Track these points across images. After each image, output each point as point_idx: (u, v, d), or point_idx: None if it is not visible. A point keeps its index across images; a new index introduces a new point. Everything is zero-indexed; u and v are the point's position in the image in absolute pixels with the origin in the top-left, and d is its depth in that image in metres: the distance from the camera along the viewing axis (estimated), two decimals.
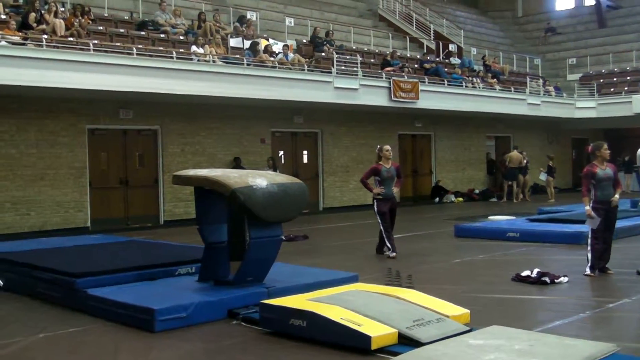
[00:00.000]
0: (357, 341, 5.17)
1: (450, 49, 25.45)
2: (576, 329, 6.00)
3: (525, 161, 21.98)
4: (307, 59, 18.18)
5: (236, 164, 17.03)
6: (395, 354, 5.01)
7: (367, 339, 5.11)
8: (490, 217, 15.61)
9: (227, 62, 15.87)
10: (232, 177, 6.76)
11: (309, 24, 21.09)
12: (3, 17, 13.91)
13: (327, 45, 19.81)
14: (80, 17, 14.59)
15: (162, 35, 16.14)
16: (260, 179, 6.76)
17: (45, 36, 13.34)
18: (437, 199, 22.23)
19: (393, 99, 18.67)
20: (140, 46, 14.74)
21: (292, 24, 20.37)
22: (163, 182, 16.21)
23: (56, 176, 14.58)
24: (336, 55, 18.25)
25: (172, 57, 14.70)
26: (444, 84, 20.77)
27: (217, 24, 17.61)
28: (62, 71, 12.90)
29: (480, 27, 32.55)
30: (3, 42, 12.60)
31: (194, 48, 15.54)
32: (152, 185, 16.30)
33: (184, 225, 14.93)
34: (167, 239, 12.04)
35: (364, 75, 18.38)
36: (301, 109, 18.66)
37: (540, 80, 25.56)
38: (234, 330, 6.02)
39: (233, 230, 7.03)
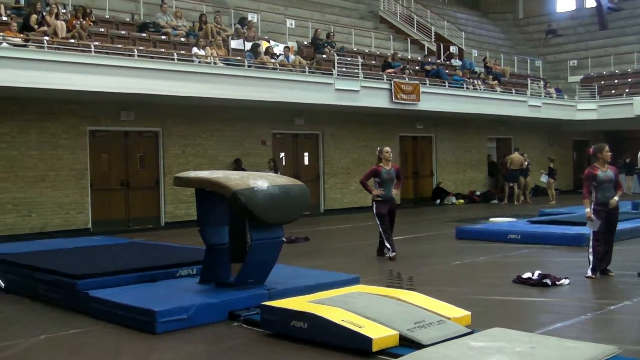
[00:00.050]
0: (358, 343, 5.17)
1: (451, 50, 25.46)
2: (577, 331, 5.99)
3: (526, 163, 21.97)
4: (308, 61, 18.18)
5: (237, 165, 17.04)
6: (397, 356, 5.01)
7: (368, 340, 5.10)
8: (491, 219, 15.59)
9: (228, 64, 15.88)
10: (233, 178, 6.76)
11: (310, 26, 21.11)
12: (4, 18, 13.94)
13: (328, 47, 19.82)
14: (81, 19, 14.61)
15: (163, 37, 16.15)
16: (262, 181, 6.76)
17: (46, 38, 13.34)
18: (438, 201, 22.23)
19: (394, 100, 18.67)
20: (141, 48, 14.75)
21: (293, 26, 20.40)
22: (164, 183, 16.22)
23: (57, 178, 14.59)
24: (337, 57, 18.26)
25: (173, 59, 14.72)
26: (445, 86, 20.77)
27: (218, 26, 17.62)
28: (63, 73, 12.91)
29: (481, 29, 32.57)
30: (4, 44, 12.62)
31: (195, 50, 15.55)
32: (153, 186, 16.31)
33: (185, 227, 14.94)
34: (168, 240, 12.03)
35: (364, 77, 18.39)
36: (302, 111, 18.66)
37: (541, 82, 25.56)
38: (235, 332, 6.02)
39: (234, 232, 7.02)
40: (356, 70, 18.27)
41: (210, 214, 7.16)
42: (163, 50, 15.25)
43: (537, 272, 8.13)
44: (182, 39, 16.47)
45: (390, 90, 18.63)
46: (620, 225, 9.66)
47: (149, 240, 11.83)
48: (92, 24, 15.10)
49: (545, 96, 24.46)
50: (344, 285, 7.05)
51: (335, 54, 18.77)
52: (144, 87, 14.01)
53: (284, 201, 6.79)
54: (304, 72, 17.27)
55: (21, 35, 13.34)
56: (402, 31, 26.00)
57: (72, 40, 13.83)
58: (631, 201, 16.44)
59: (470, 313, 5.93)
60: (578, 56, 29.75)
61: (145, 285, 7.22)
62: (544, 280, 7.90)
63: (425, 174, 22.92)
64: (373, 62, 20.86)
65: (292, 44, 19.18)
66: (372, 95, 18.35)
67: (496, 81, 23.45)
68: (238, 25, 18.50)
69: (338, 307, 5.61)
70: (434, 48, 25.36)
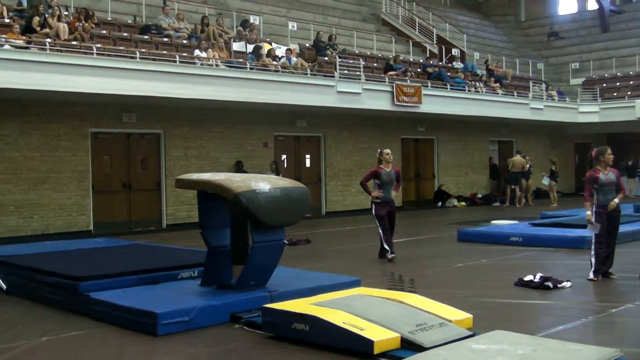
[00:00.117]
0: (359, 345, 5.16)
1: (453, 53, 25.46)
2: (579, 333, 5.99)
3: (528, 165, 21.97)
4: (310, 63, 18.20)
5: (238, 167, 17.05)
6: (398, 358, 5.01)
7: (369, 343, 5.10)
8: (493, 222, 15.59)
9: (230, 66, 15.89)
10: (235, 181, 6.76)
11: (311, 28, 21.12)
12: (7, 20, 13.96)
13: (330, 49, 19.84)
14: (83, 21, 14.63)
15: (165, 39, 16.17)
16: (263, 183, 6.76)
17: (48, 40, 13.36)
18: (439, 203, 22.23)
19: (396, 103, 18.67)
20: (143, 50, 14.77)
21: (295, 28, 20.43)
22: (166, 185, 16.23)
23: (59, 179, 14.60)
24: (339, 60, 18.28)
25: (175, 61, 14.73)
26: (446, 89, 20.77)
27: (220, 28, 17.64)
28: (65, 75, 12.93)
29: (483, 32, 32.57)
30: (7, 46, 12.64)
31: (197, 52, 15.56)
32: (155, 188, 16.32)
33: (187, 229, 14.94)
34: (170, 242, 12.04)
35: (366, 80, 18.39)
36: (304, 113, 18.67)
37: (543, 85, 25.55)
38: (236, 334, 6.02)
39: (236, 234, 7.02)
40: (358, 73, 18.27)
41: (212, 216, 7.17)
42: (165, 52, 15.26)
43: (538, 275, 8.12)
44: (184, 41, 16.49)
45: (392, 92, 18.64)
46: (622, 228, 9.67)
47: (150, 242, 11.84)
48: (94, 26, 15.13)
49: (547, 99, 24.46)
50: (345, 287, 7.04)
51: (337, 57, 18.78)
52: (146, 89, 14.03)
53: (286, 203, 6.79)
54: (306, 74, 17.28)
55: (23, 37, 13.36)
56: (404, 34, 26.01)
57: (74, 43, 13.86)
58: (633, 204, 16.43)
59: (471, 316, 5.92)
60: (580, 59, 29.73)
61: (146, 287, 7.22)
62: (546, 283, 7.89)
63: (426, 176, 22.91)
64: (375, 64, 20.87)
65: (294, 47, 19.21)
66: (374, 98, 18.36)
67: (498, 84, 23.45)
68: (240, 28, 18.52)
69: (339, 309, 5.61)
70: (435, 50, 25.36)
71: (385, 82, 18.92)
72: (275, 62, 17.10)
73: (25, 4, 15.21)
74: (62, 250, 9.69)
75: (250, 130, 17.83)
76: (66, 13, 15.22)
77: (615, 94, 25.49)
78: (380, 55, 22.19)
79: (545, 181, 22.44)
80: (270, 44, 18.30)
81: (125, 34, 15.71)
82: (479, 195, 23.59)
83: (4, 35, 12.95)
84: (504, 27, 34.68)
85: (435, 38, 25.92)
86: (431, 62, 23.26)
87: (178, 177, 7.49)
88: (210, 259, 7.11)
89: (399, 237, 10.66)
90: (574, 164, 28.49)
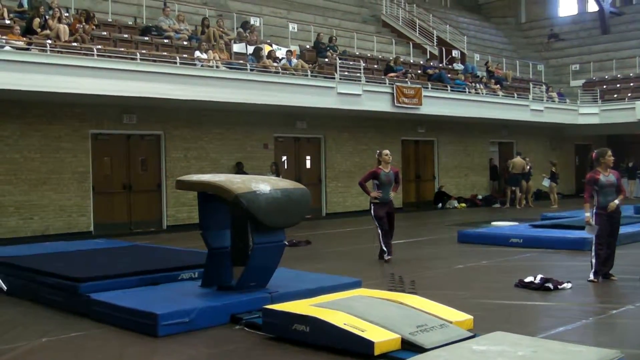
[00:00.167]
0: (360, 347, 5.16)
1: (453, 54, 25.48)
2: (580, 335, 5.99)
3: (528, 167, 21.98)
4: (310, 65, 18.21)
5: (239, 169, 17.05)
6: (399, 359, 5.01)
7: (370, 344, 5.10)
8: (493, 223, 15.59)
9: (230, 68, 15.90)
10: (235, 182, 6.76)
11: (312, 30, 21.14)
12: (7, 22, 13.97)
13: (331, 51, 19.85)
14: (84, 23, 14.64)
15: (165, 41, 16.18)
16: (264, 185, 6.77)
17: (49, 41, 13.38)
18: (440, 205, 22.23)
19: (396, 104, 18.68)
20: (143, 51, 14.78)
21: (296, 30, 20.44)
22: (166, 187, 16.23)
23: (59, 181, 14.60)
24: (339, 61, 18.29)
25: (175, 63, 14.73)
26: (447, 90, 20.78)
27: (221, 30, 17.65)
28: (65, 76, 12.94)
29: (483, 33, 32.59)
30: (7, 47, 12.65)
31: (197, 53, 15.57)
32: (155, 190, 16.32)
33: (187, 230, 14.93)
34: (170, 243, 12.04)
35: (367, 81, 18.40)
36: (304, 115, 18.68)
37: (544, 86, 25.57)
38: (236, 336, 6.02)
39: (236, 236, 7.03)
40: (358, 74, 18.28)
41: (212, 218, 7.17)
42: (165, 53, 15.27)
43: (539, 276, 8.12)
44: (185, 43, 16.51)
45: (392, 94, 18.64)
46: (623, 230, 9.66)
47: (151, 244, 11.83)
48: (94, 27, 15.15)
49: (547, 100, 24.47)
50: (346, 288, 7.04)
51: (337, 58, 18.80)
52: (147, 90, 14.04)
53: (286, 205, 6.79)
54: (306, 76, 17.29)
55: (24, 38, 13.37)
56: (404, 35, 26.02)
57: (75, 44, 13.87)
58: (634, 205, 16.43)
59: (472, 317, 5.92)
60: (580, 60, 29.74)
61: (147, 288, 7.22)
62: (546, 284, 7.89)
63: (427, 177, 22.91)
64: (375, 66, 20.89)
65: (295, 48, 19.22)
66: (374, 99, 18.36)
67: (498, 85, 23.47)
68: (240, 29, 18.54)
69: (340, 310, 5.61)
70: (436, 52, 25.36)
71: (385, 83, 18.93)
72: (275, 64, 17.10)
73: (25, 5, 15.22)
74: (63, 251, 9.70)
75: (251, 131, 17.83)
76: (66, 14, 15.24)
77: (615, 96, 25.50)
78: (380, 56, 22.21)
79: (546, 183, 22.44)
80: (271, 46, 18.32)
81: (125, 36, 15.72)
82: (479, 197, 23.59)
83: (4, 37, 12.96)
84: (504, 29, 34.70)
85: (435, 40, 25.93)
86: (431, 63, 23.26)
87: (178, 179, 7.49)
88: (211, 260, 7.11)
89: (399, 239, 10.66)
90: (574, 165, 28.49)
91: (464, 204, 22.54)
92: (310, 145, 19.68)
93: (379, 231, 10.36)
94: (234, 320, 6.34)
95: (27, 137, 14.19)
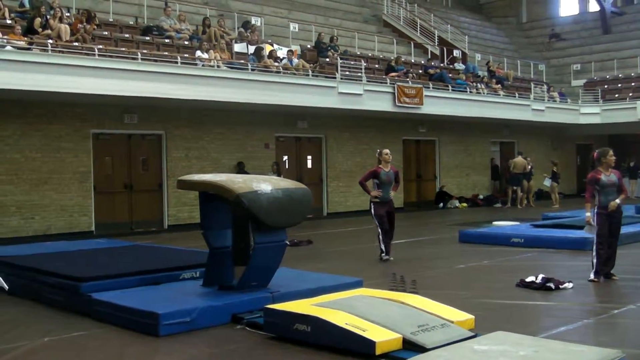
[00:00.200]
0: (361, 346, 5.16)
1: (454, 54, 25.47)
2: (581, 335, 5.99)
3: (529, 167, 21.97)
4: (311, 65, 18.21)
5: (240, 168, 17.05)
6: (400, 359, 5.01)
7: (371, 344, 5.10)
8: (495, 223, 15.58)
9: (231, 67, 15.90)
10: (236, 182, 6.76)
11: (313, 30, 21.14)
12: (9, 22, 13.98)
13: (332, 50, 19.85)
14: (85, 23, 14.64)
15: (166, 41, 16.19)
16: (265, 184, 6.76)
17: (50, 41, 13.38)
18: (441, 205, 22.22)
19: (397, 104, 18.67)
20: (145, 51, 14.79)
21: (297, 30, 20.44)
22: (167, 186, 16.24)
23: (61, 180, 14.61)
24: (340, 61, 18.28)
25: (176, 62, 14.74)
26: (448, 90, 20.77)
27: (222, 29, 17.65)
28: (66, 76, 12.95)
29: (485, 33, 32.57)
30: (8, 47, 12.66)
31: (198, 53, 15.58)
32: (156, 189, 16.32)
33: (188, 229, 14.94)
34: (171, 243, 12.04)
35: (368, 81, 18.40)
36: (305, 114, 18.68)
37: (545, 86, 25.55)
38: (238, 335, 6.02)
39: (237, 235, 7.02)
40: (359, 74, 18.28)
41: (213, 217, 7.17)
42: (166, 53, 15.28)
43: (540, 276, 8.12)
44: (186, 43, 16.51)
45: (394, 93, 18.64)
46: (624, 229, 9.65)
47: (152, 243, 11.84)
48: (95, 27, 15.16)
49: (548, 100, 24.45)
50: (347, 288, 7.03)
51: (338, 58, 18.79)
52: (148, 90, 14.04)
53: (287, 204, 6.79)
54: (307, 75, 17.29)
55: (25, 38, 13.38)
56: (405, 35, 26.01)
57: (76, 44, 13.88)
58: (635, 205, 16.42)
59: (473, 316, 5.92)
60: (581, 60, 29.73)
61: (148, 288, 7.22)
62: (548, 284, 7.88)
63: (428, 177, 22.91)
64: (376, 65, 20.88)
65: (296, 48, 19.22)
66: (375, 99, 18.36)
67: (499, 85, 23.45)
68: (241, 29, 18.54)
69: (341, 310, 5.61)
70: (437, 52, 25.34)
71: (386, 83, 18.93)
72: (276, 64, 17.10)
73: (27, 5, 15.23)
74: (64, 250, 9.70)
75: (252, 131, 17.84)
76: (68, 14, 15.24)
77: (616, 96, 25.49)
78: (381, 56, 22.20)
79: (547, 182, 22.43)
80: (272, 45, 18.31)
81: (126, 35, 15.73)
82: (481, 197, 23.58)
83: (5, 37, 12.97)
84: (505, 29, 34.68)
85: (436, 39, 25.91)
86: (432, 63, 23.26)
87: (180, 178, 7.49)
88: (212, 259, 7.11)
89: (400, 238, 10.65)
90: (576, 165, 28.48)
91: (465, 204, 22.53)
92: (312, 145, 19.68)
93: (379, 230, 10.36)
94: (235, 319, 6.34)
95: (28, 136, 14.20)
